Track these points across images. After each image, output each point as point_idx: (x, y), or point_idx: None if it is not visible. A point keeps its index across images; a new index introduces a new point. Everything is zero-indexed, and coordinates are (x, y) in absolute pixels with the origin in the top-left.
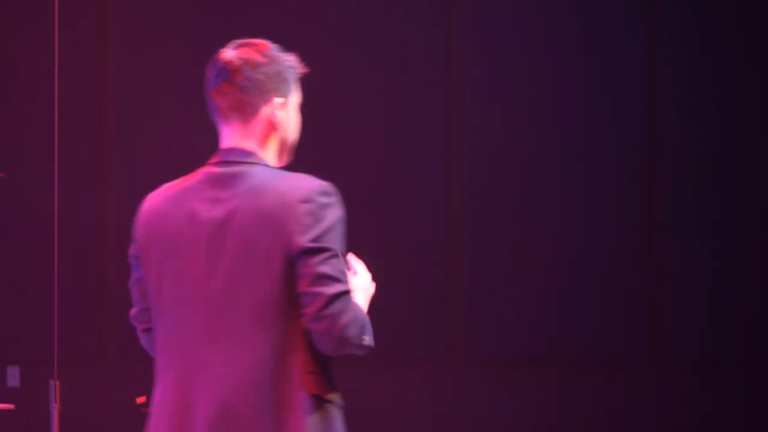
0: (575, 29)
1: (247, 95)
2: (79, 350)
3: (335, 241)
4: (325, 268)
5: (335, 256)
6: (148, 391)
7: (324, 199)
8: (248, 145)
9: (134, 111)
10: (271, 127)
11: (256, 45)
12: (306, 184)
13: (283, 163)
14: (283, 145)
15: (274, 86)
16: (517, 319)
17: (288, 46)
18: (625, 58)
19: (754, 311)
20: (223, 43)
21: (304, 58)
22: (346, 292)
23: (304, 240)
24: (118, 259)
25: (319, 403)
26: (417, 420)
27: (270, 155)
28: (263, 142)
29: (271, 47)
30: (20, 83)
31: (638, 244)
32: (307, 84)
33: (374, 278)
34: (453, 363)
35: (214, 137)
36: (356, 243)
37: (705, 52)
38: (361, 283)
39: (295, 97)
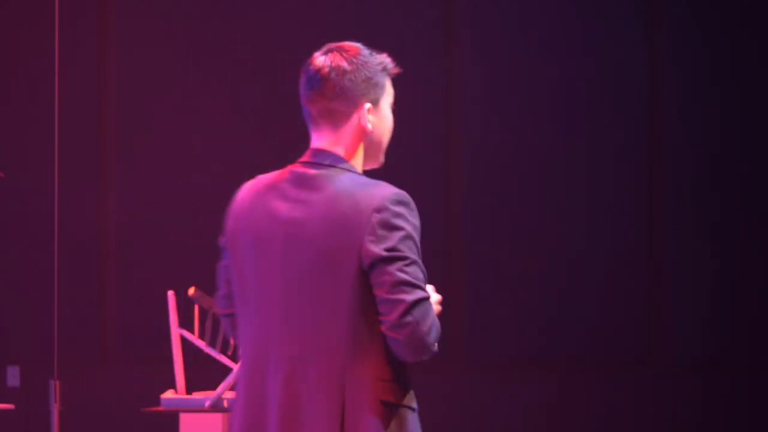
0: (575, 29)
1: (337, 103)
2: (79, 350)
3: (411, 249)
4: (404, 276)
5: (413, 263)
6: (147, 391)
7: (398, 208)
8: (338, 149)
9: (134, 111)
10: (362, 132)
11: (346, 50)
12: (381, 192)
13: (375, 165)
14: (374, 147)
15: (364, 92)
16: (518, 320)
17: (288, 46)
18: (625, 58)
19: (754, 311)
20: (223, 42)
21: (304, 58)
22: (426, 299)
23: (379, 249)
24: (118, 259)
25: (391, 409)
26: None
27: (358, 160)
28: (353, 147)
29: (361, 52)
30: (20, 83)
31: (638, 244)
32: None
33: None
34: (453, 364)
35: (214, 136)
36: None
37: (705, 52)
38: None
39: (387, 99)
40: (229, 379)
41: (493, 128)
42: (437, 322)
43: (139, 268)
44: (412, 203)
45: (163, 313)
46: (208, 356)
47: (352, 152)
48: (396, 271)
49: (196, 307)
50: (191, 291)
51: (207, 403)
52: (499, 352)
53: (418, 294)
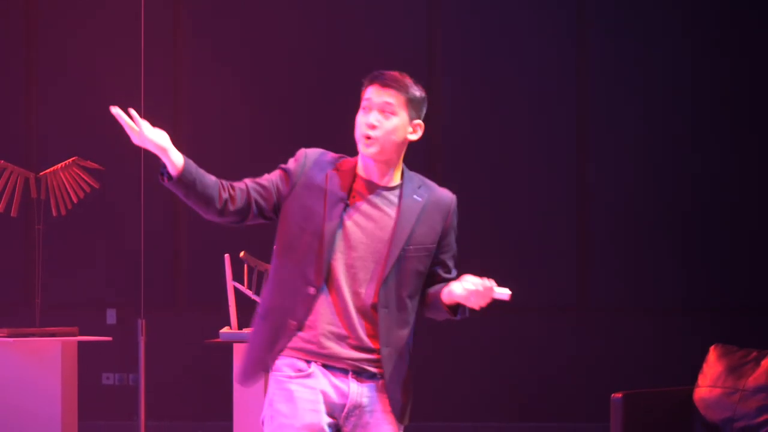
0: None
1: None
2: (160, 297)
3: None
4: None
5: None
6: (210, 327)
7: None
8: None
9: (201, 108)
10: None
11: None
12: None
13: (360, 152)
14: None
15: None
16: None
17: (289, 44)
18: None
19: (667, 265)
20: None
21: (294, 50)
22: None
23: None
24: (188, 230)
25: None
26: None
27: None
28: None
29: None
30: (110, 91)
31: (571, 212)
32: (301, 75)
33: None
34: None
35: (267, 131)
36: None
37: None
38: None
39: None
40: None
41: (470, 84)
42: None
43: (204, 237)
44: (318, 153)
45: (221, 269)
46: (254, 302)
47: None
48: None
49: (246, 266)
50: (242, 254)
51: None
52: None
53: None
